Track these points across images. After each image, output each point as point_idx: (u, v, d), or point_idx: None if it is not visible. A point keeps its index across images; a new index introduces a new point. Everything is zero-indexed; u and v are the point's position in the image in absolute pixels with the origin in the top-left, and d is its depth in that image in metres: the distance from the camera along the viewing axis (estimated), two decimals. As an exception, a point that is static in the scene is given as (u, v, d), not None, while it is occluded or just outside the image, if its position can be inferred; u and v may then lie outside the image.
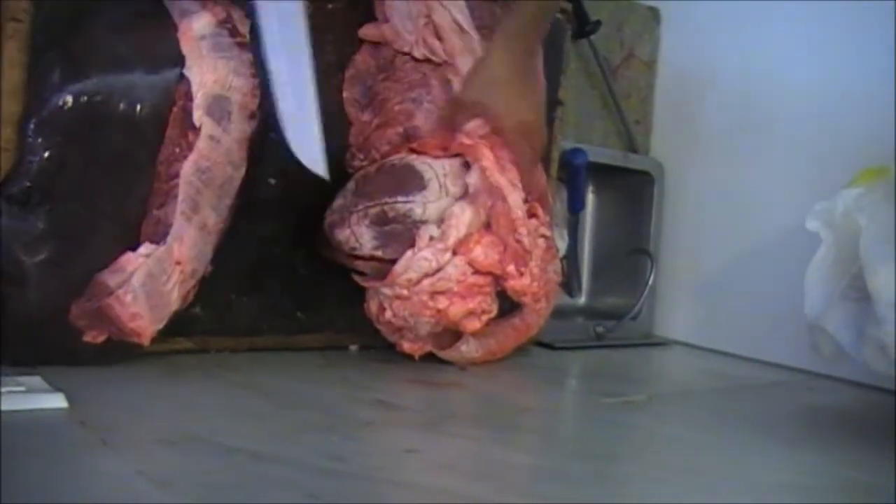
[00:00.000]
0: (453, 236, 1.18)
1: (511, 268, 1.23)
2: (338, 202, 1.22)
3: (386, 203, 1.18)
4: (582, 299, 1.77)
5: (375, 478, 0.80)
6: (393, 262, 1.19)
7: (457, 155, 1.22)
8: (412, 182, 1.19)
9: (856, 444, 1.07)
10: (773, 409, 1.28)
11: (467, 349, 1.28)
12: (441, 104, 1.24)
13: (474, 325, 1.24)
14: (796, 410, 1.28)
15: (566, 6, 1.52)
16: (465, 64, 1.25)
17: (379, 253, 1.19)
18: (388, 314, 1.21)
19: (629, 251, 1.72)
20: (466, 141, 1.22)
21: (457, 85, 1.25)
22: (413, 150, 1.22)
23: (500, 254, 1.22)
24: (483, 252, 1.20)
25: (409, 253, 1.17)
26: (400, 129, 1.24)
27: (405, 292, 1.18)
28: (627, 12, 1.75)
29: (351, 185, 1.22)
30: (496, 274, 1.23)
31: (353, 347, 1.32)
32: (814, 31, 1.51)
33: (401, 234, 1.18)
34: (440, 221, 1.18)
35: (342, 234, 1.19)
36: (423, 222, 1.18)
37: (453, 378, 1.22)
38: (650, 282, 1.66)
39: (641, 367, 1.56)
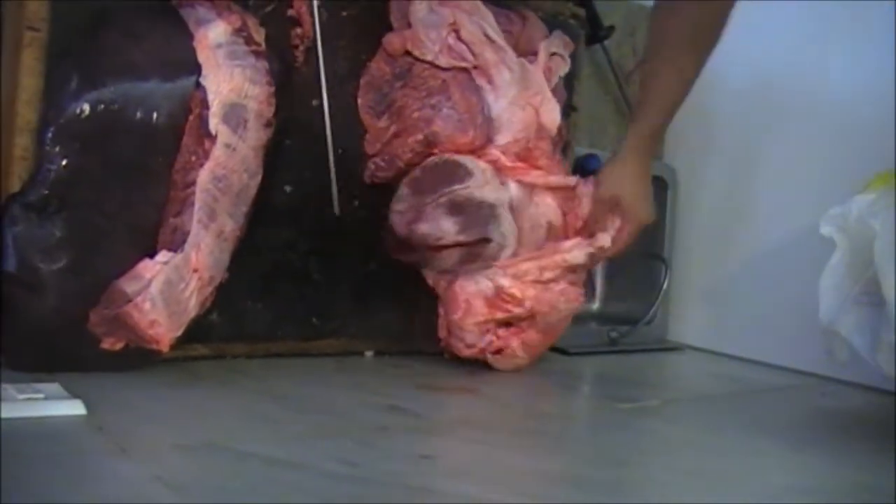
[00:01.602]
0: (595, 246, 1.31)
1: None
2: (401, 205, 1.24)
3: (448, 193, 1.21)
4: (596, 304, 1.76)
5: (390, 483, 0.81)
6: (473, 244, 1.23)
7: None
8: (458, 172, 1.23)
9: (869, 448, 1.07)
10: (787, 413, 1.28)
11: (514, 356, 1.29)
12: (463, 109, 1.25)
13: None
14: (809, 414, 1.28)
15: (579, 12, 1.53)
16: (500, 74, 1.26)
17: (462, 237, 1.22)
18: (529, 302, 1.25)
19: (643, 256, 1.71)
20: (506, 163, 1.27)
21: (490, 93, 1.26)
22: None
23: None
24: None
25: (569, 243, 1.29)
26: (420, 136, 1.24)
27: (546, 275, 1.26)
28: (640, 17, 1.75)
29: (404, 190, 1.24)
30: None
31: (368, 353, 1.32)
32: (827, 34, 1.51)
33: (474, 215, 1.22)
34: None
35: (425, 227, 1.22)
36: (489, 203, 1.22)
37: (467, 384, 1.23)
38: (664, 287, 1.66)
39: (655, 371, 1.55)
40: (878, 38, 1.41)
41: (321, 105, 1.24)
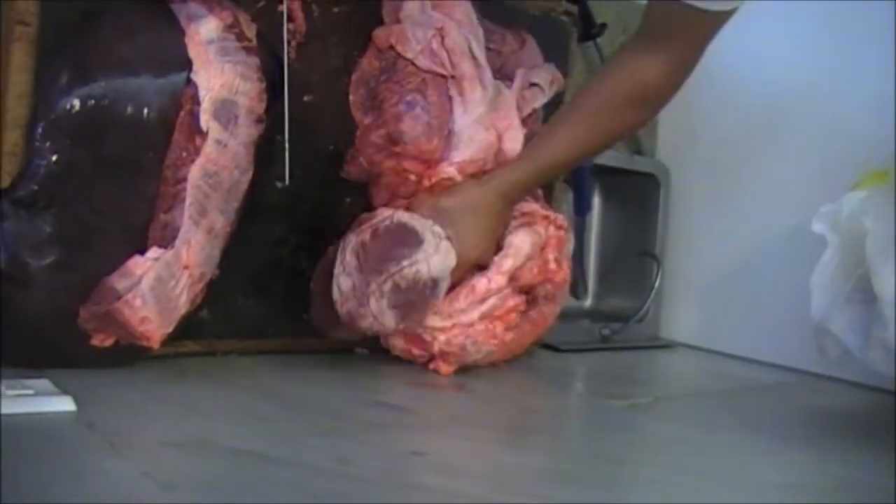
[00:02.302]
0: (508, 265, 1.24)
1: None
2: (345, 283, 1.17)
3: (394, 273, 1.16)
4: (588, 302, 1.77)
5: (381, 480, 0.81)
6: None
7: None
8: (409, 240, 1.17)
9: (860, 445, 1.07)
10: (779, 410, 1.28)
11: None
12: (435, 114, 1.24)
13: (508, 336, 1.27)
14: (801, 412, 1.28)
15: (572, 9, 1.53)
16: (472, 90, 1.25)
17: (402, 326, 1.20)
18: (437, 346, 1.22)
19: (635, 253, 1.72)
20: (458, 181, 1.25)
21: (459, 105, 1.25)
22: (404, 207, 1.23)
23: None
24: (528, 269, 1.26)
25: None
26: (384, 131, 1.24)
27: (465, 318, 1.22)
28: (633, 15, 1.74)
29: (351, 259, 1.17)
30: (535, 285, 1.28)
31: (359, 350, 1.32)
32: (819, 33, 1.51)
33: (416, 302, 1.17)
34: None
35: (366, 322, 1.18)
36: (433, 279, 1.17)
37: (459, 381, 1.22)
38: (656, 284, 1.66)
39: (647, 369, 1.56)
40: (870, 36, 1.41)
41: (313, 101, 1.24)
